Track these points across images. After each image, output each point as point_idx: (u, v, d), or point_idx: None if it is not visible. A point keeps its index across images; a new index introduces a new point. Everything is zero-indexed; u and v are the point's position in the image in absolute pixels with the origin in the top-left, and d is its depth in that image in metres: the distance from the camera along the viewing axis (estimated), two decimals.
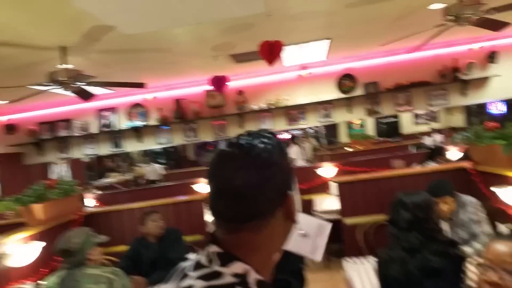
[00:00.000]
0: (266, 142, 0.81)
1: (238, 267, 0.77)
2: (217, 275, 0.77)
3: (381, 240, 3.44)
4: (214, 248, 0.80)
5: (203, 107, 6.49)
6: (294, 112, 6.43)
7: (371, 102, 6.24)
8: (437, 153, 5.25)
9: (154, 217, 3.53)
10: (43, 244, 3.30)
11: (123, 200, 5.94)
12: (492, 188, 2.97)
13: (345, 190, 4.21)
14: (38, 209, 3.61)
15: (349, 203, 4.17)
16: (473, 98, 6.15)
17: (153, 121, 6.59)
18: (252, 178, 0.77)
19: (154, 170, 8.62)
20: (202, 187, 6.41)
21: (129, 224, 4.41)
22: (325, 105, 6.33)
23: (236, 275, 0.76)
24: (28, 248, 3.22)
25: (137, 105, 6.64)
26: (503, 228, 2.80)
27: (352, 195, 4.17)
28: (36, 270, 3.41)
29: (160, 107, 6.52)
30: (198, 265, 0.81)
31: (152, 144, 6.77)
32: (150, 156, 10.13)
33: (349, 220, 4.11)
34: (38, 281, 3.22)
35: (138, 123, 6.55)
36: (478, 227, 2.99)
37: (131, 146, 6.81)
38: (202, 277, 0.78)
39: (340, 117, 6.41)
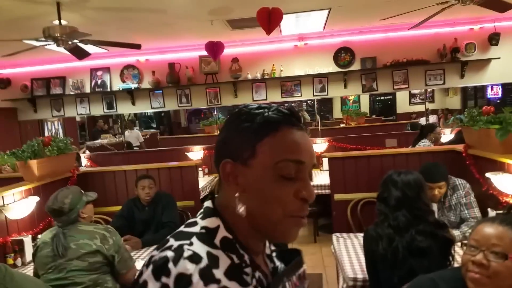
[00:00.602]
0: (235, 111, 0.84)
1: (212, 221, 0.79)
2: (192, 224, 0.80)
3: (368, 217, 3.50)
4: (207, 203, 0.83)
5: (197, 73, 6.38)
6: (289, 84, 6.35)
7: (368, 78, 6.19)
8: (428, 130, 5.27)
9: (144, 183, 3.58)
10: (38, 199, 3.39)
11: (116, 162, 5.95)
12: (487, 174, 2.98)
13: (335, 166, 4.23)
14: (33, 165, 3.62)
15: (339, 179, 4.19)
16: (471, 80, 6.07)
17: (146, 84, 6.47)
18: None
19: (133, 136, 8.59)
20: (196, 154, 6.42)
21: (121, 186, 4.44)
22: (321, 79, 6.26)
23: (204, 227, 0.78)
24: (26, 202, 3.31)
25: (130, 66, 6.51)
26: (493, 214, 2.83)
27: (342, 171, 4.19)
28: (33, 224, 3.53)
29: (152, 70, 6.39)
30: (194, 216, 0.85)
31: (145, 107, 6.66)
32: (140, 120, 10.07)
33: (338, 196, 4.15)
34: (35, 235, 3.33)
35: (131, 85, 6.44)
36: (468, 211, 3.02)
37: (124, 108, 6.69)
38: (185, 223, 0.81)
39: (335, 91, 6.33)
